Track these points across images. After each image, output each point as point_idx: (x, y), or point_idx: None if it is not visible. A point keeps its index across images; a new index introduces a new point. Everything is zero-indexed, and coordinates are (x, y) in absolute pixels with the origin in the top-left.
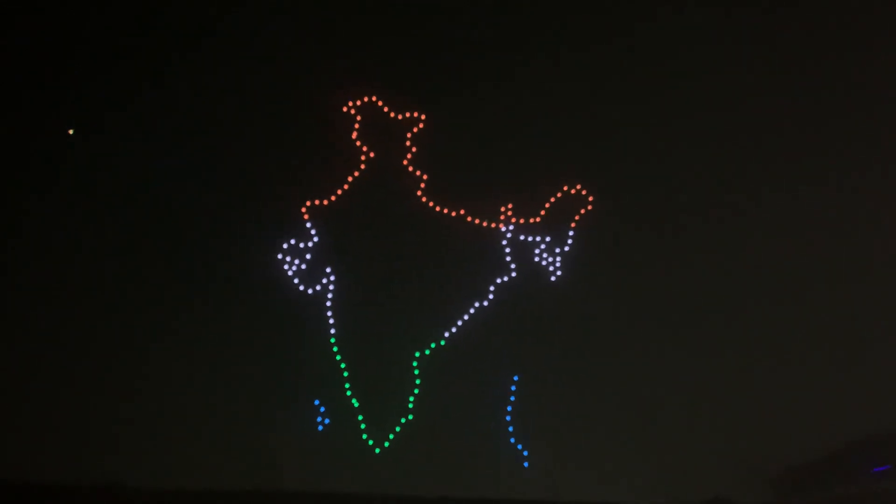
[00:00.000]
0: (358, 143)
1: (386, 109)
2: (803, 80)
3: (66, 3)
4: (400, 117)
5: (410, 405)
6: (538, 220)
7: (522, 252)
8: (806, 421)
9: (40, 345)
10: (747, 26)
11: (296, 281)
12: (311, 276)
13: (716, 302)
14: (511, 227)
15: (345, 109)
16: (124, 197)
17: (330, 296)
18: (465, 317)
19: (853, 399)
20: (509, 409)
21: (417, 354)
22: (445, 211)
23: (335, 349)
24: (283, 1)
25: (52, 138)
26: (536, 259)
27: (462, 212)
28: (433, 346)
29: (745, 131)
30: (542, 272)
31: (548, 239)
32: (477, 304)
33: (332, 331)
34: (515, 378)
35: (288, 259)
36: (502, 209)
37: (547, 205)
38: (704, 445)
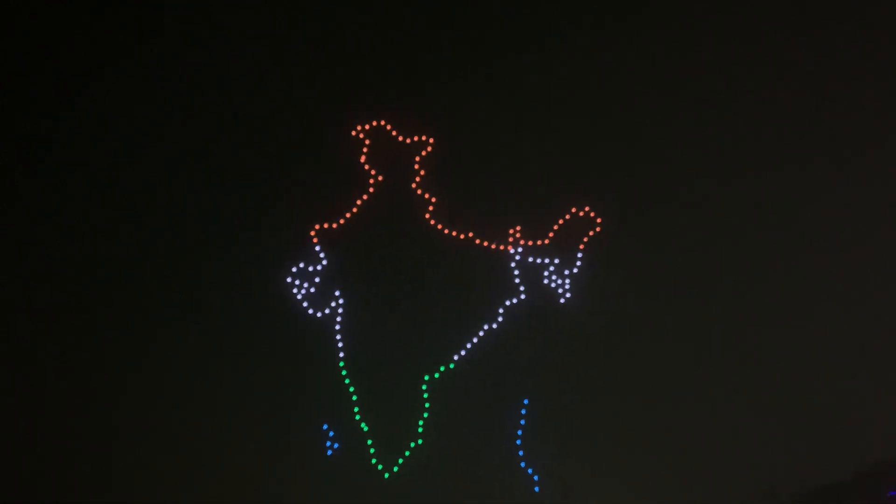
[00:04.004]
0: (366, 167)
1: (394, 133)
2: (822, 90)
3: (81, 23)
4: (408, 141)
5: (420, 429)
6: (547, 242)
7: (531, 274)
8: (820, 442)
9: (47, 369)
10: (760, 45)
11: (304, 304)
12: (319, 300)
13: (728, 322)
14: (520, 250)
15: (353, 133)
16: (131, 220)
17: (339, 319)
18: (475, 339)
19: (869, 420)
20: (519, 432)
21: (427, 378)
22: (454, 233)
23: (344, 373)
24: (292, 25)
25: (71, 158)
26: (545, 281)
27: (470, 234)
28: (442, 369)
29: (757, 152)
30: (551, 294)
31: (556, 261)
32: (486, 327)
33: (341, 354)
34: (525, 401)
35: (297, 282)
36: (511, 231)
37: (555, 227)
38: (718, 467)
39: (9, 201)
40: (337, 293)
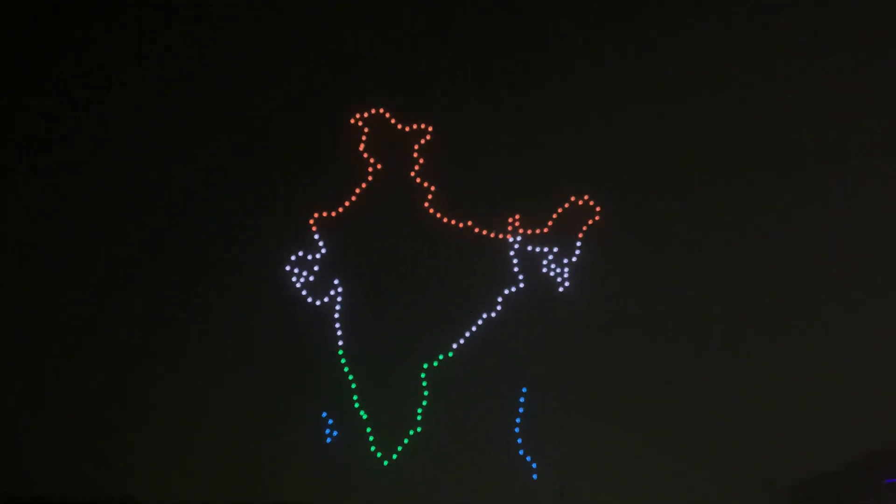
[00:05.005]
0: (365, 155)
1: (393, 121)
2: (819, 90)
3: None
4: (407, 129)
5: (419, 417)
6: (546, 230)
7: (530, 263)
8: (818, 433)
9: (51, 361)
10: (759, 35)
11: (304, 293)
12: (318, 288)
13: (726, 313)
14: (518, 238)
15: (352, 121)
16: (132, 210)
17: (338, 307)
18: (473, 328)
19: (864, 411)
20: (518, 420)
21: (426, 366)
22: (453, 222)
23: (343, 361)
24: (291, 14)
25: (74, 163)
26: (544, 270)
27: (469, 223)
28: (441, 357)
29: (755, 141)
30: (550, 283)
31: (555, 249)
32: (485, 316)
33: (340, 342)
34: (524, 390)
35: (296, 271)
36: (510, 220)
37: (554, 215)
38: (716, 458)
39: (9, 201)
40: (336, 281)
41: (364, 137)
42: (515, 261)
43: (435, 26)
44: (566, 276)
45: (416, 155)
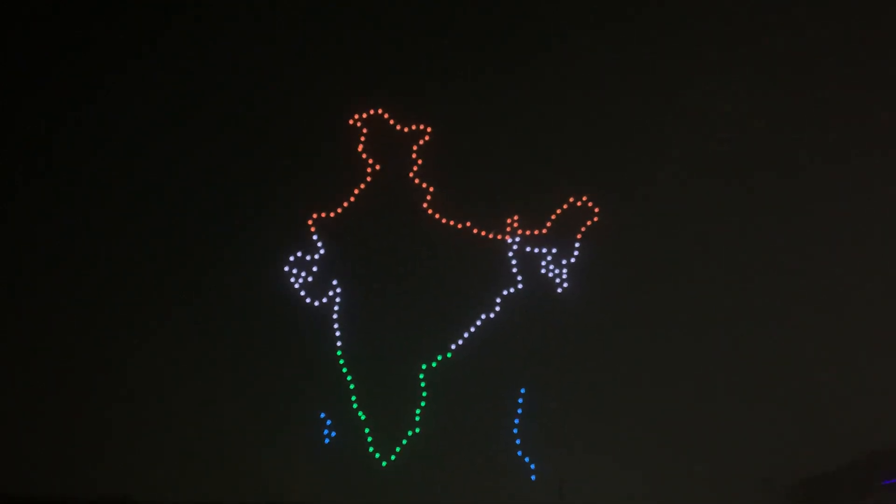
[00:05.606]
0: (364, 156)
1: (392, 122)
2: (819, 90)
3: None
4: (406, 129)
5: (417, 418)
6: (544, 231)
7: (529, 264)
8: (816, 434)
9: (50, 361)
10: (759, 35)
11: (302, 293)
12: (317, 289)
13: (724, 314)
14: (517, 239)
15: (351, 122)
16: (132, 210)
17: (336, 308)
18: (472, 329)
19: (864, 411)
20: (516, 421)
21: (424, 367)
22: (451, 223)
23: (341, 362)
24: (291, 14)
25: (74, 163)
26: (543, 271)
27: (468, 224)
28: (440, 358)
29: (755, 141)
30: (549, 284)
31: (554, 250)
32: (483, 317)
33: (339, 343)
34: (522, 391)
35: (294, 271)
36: (508, 221)
37: (553, 216)
38: (715, 459)
39: (9, 201)
40: (334, 282)
41: (363, 138)
42: (514, 262)
43: (435, 26)
44: (565, 276)
45: (414, 156)
